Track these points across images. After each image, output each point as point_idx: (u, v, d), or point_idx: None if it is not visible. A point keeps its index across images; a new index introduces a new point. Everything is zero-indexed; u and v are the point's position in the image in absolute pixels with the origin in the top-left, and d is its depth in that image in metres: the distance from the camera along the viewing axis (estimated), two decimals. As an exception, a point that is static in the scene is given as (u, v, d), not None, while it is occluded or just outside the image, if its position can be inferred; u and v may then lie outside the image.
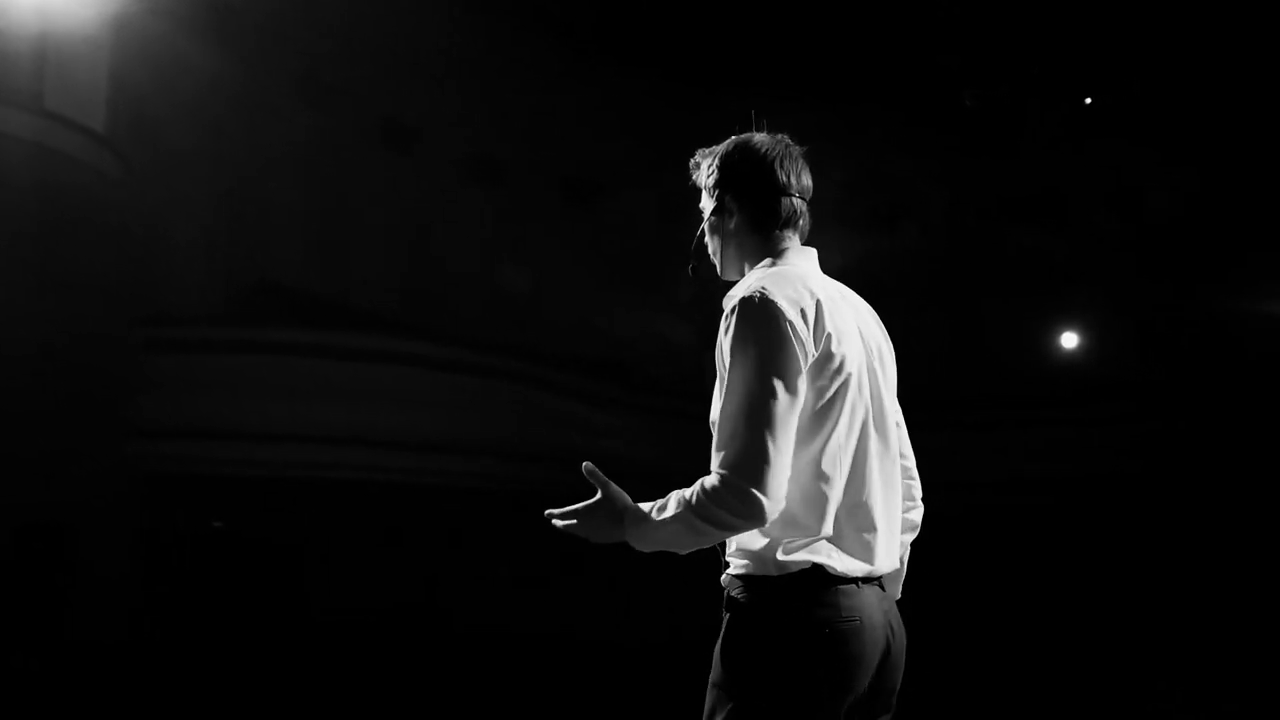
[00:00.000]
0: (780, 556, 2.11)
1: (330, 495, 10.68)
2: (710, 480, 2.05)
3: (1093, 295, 14.15)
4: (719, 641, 2.17)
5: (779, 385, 2.06)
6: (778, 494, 2.04)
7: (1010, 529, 12.46)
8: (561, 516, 2.25)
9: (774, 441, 2.03)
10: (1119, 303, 13.93)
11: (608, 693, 9.41)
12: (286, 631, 10.08)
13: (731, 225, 2.38)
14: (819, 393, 2.13)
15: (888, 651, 2.20)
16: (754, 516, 2.02)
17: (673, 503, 2.11)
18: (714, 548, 2.22)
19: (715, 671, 2.15)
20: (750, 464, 2.02)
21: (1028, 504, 12.83)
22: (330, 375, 10.86)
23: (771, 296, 2.11)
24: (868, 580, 2.17)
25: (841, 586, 2.12)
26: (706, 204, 2.44)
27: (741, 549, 2.17)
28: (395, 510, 11.04)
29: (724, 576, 2.25)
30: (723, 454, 2.06)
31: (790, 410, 2.07)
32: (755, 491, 2.01)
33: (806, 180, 2.40)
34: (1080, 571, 11.92)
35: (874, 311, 2.41)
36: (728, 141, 2.42)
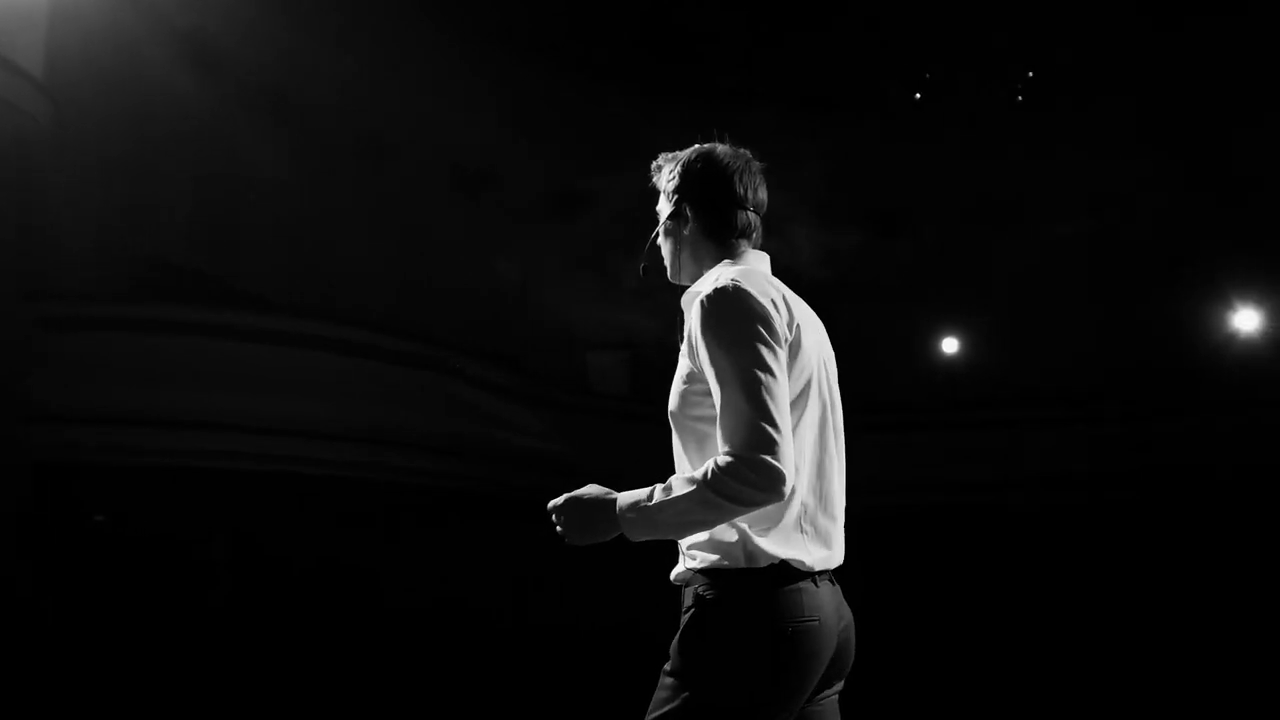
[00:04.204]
0: (749, 548, 2.14)
1: (228, 485, 10.06)
2: (723, 458, 2.06)
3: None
4: (679, 633, 2.19)
5: (771, 362, 2.10)
6: (791, 466, 2.06)
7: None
8: (552, 510, 2.23)
9: (779, 413, 2.06)
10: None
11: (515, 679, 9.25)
12: (176, 630, 9.44)
13: (686, 231, 2.43)
14: (792, 380, 2.18)
15: (839, 644, 2.25)
16: (774, 488, 2.03)
17: (679, 482, 2.11)
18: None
19: (673, 661, 2.17)
20: (763, 439, 2.03)
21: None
22: (227, 358, 10.21)
23: (744, 285, 2.16)
24: (823, 574, 2.22)
25: (803, 585, 2.16)
26: (664, 207, 2.49)
27: (708, 539, 2.19)
28: (295, 499, 10.52)
29: (681, 571, 2.26)
30: (735, 437, 2.06)
31: (785, 385, 2.12)
32: (772, 460, 2.02)
33: (763, 195, 2.45)
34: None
35: (818, 318, 2.46)
36: (691, 149, 2.47)
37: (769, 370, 2.08)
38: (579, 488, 2.23)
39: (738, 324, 2.11)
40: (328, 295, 12.51)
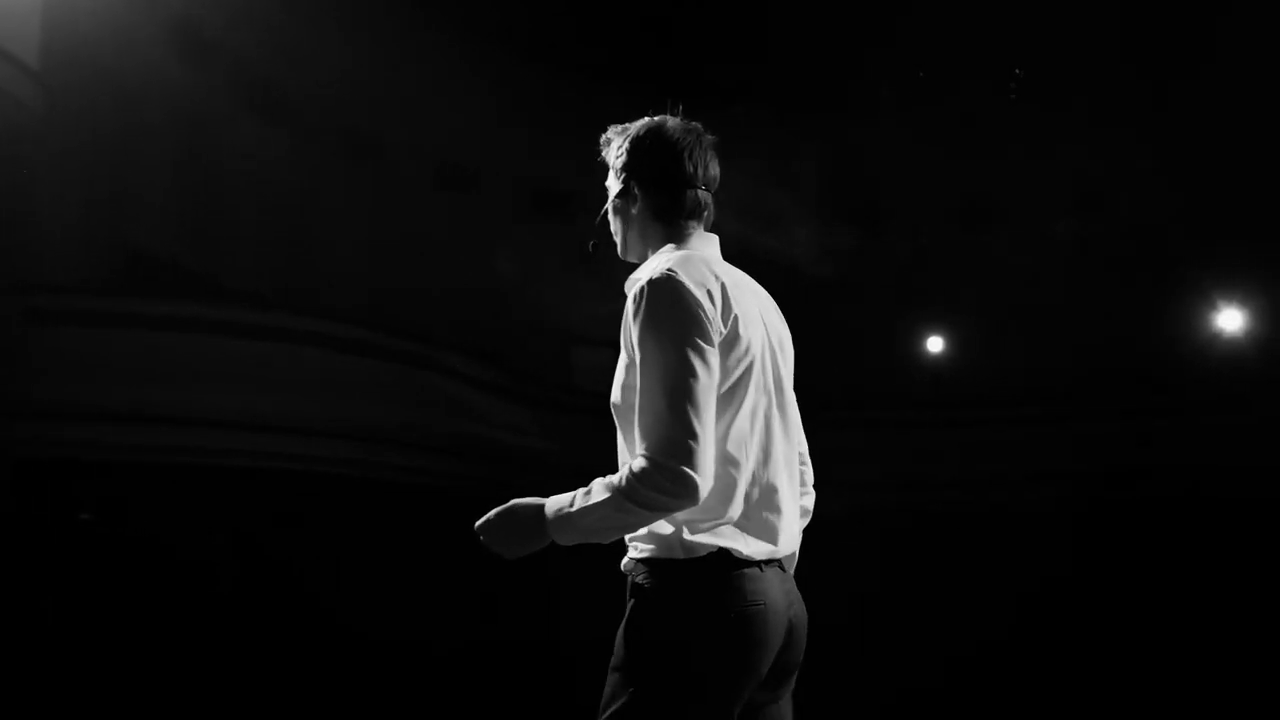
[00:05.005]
0: (686, 538, 2.10)
1: (226, 483, 9.91)
2: (638, 463, 2.03)
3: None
4: (622, 625, 2.14)
5: (696, 363, 2.04)
6: (707, 471, 2.03)
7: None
8: (480, 529, 2.21)
9: (698, 419, 2.01)
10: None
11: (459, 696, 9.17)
12: (175, 629, 9.29)
13: (635, 210, 2.38)
14: (726, 374, 2.13)
15: (790, 631, 2.20)
16: (687, 495, 2.00)
17: (598, 488, 2.08)
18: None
19: (617, 655, 2.12)
20: (678, 443, 2.00)
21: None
22: (212, 353, 10.04)
23: (679, 277, 2.11)
24: (770, 562, 2.18)
25: (746, 570, 2.12)
26: (612, 184, 2.43)
27: (647, 532, 2.15)
28: (283, 498, 10.37)
29: (626, 561, 2.23)
30: (650, 439, 2.03)
31: (709, 387, 2.07)
32: (687, 470, 1.99)
33: (714, 171, 2.40)
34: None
35: (774, 301, 2.42)
36: (640, 124, 2.41)
37: (693, 372, 2.03)
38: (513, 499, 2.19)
39: (667, 320, 2.07)
40: (325, 293, 12.40)
